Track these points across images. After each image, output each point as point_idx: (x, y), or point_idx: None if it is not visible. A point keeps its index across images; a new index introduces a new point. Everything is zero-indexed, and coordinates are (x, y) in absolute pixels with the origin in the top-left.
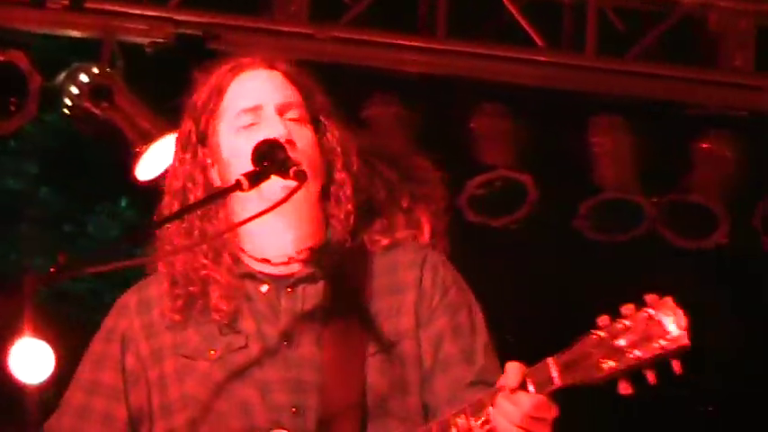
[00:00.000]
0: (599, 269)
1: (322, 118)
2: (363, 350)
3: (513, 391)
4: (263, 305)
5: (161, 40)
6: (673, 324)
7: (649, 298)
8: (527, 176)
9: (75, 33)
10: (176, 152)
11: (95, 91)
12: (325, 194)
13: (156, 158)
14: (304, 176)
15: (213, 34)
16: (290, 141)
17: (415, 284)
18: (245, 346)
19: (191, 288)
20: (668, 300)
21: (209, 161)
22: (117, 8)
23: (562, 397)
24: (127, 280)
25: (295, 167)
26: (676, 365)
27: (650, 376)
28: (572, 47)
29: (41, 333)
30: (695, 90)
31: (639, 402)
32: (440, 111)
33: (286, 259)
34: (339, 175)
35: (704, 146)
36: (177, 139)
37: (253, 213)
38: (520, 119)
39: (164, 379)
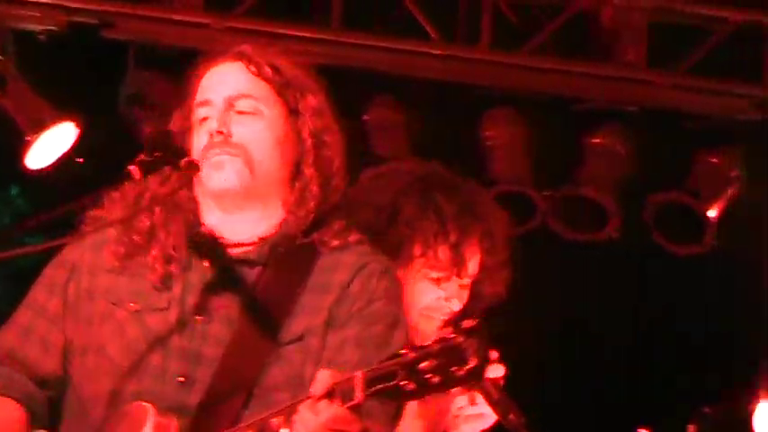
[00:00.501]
0: None
1: (299, 109)
2: (273, 340)
3: (315, 399)
4: (195, 276)
5: (54, 27)
6: (475, 356)
7: (467, 323)
8: None
9: None
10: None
11: None
12: (291, 187)
13: (47, 147)
14: (195, 168)
15: (108, 22)
16: (222, 134)
17: (342, 287)
18: (164, 309)
19: (135, 237)
20: (479, 329)
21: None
22: None
23: None
24: (20, 269)
25: (186, 158)
26: (472, 398)
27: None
28: (466, 40)
29: None
30: (588, 84)
31: None
32: (333, 102)
33: (234, 242)
34: (308, 171)
35: (596, 140)
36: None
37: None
38: (414, 111)
39: (90, 318)
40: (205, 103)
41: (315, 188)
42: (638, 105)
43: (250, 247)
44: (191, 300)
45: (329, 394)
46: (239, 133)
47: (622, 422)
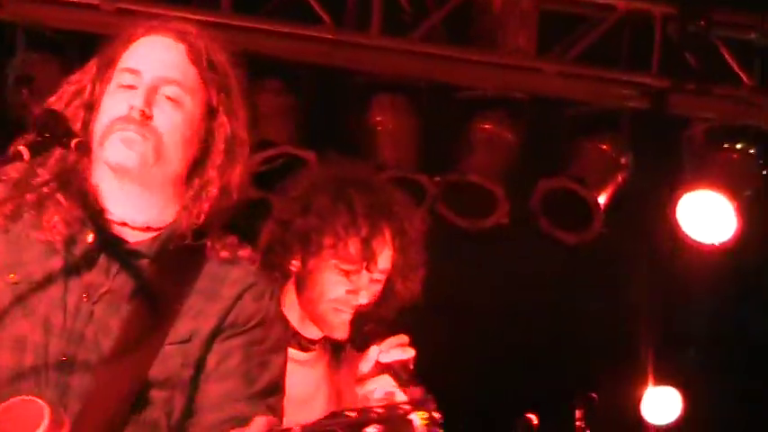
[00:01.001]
0: None
1: (220, 110)
2: (159, 337)
3: None
4: (79, 251)
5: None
6: (424, 428)
7: (416, 392)
8: (310, 153)
9: None
10: (90, 65)
11: None
12: (189, 184)
13: None
14: (85, 149)
15: None
16: (144, 114)
17: (231, 298)
18: (46, 284)
19: (28, 196)
20: (427, 405)
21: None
22: None
23: None
24: None
25: (77, 140)
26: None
27: None
28: (357, 25)
29: None
30: (477, 71)
31: None
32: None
33: (120, 222)
34: (210, 172)
35: (485, 127)
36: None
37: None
38: (302, 96)
39: None
40: (134, 71)
41: (214, 190)
42: (527, 92)
43: (139, 233)
44: (72, 277)
45: None
46: (159, 119)
47: (509, 407)
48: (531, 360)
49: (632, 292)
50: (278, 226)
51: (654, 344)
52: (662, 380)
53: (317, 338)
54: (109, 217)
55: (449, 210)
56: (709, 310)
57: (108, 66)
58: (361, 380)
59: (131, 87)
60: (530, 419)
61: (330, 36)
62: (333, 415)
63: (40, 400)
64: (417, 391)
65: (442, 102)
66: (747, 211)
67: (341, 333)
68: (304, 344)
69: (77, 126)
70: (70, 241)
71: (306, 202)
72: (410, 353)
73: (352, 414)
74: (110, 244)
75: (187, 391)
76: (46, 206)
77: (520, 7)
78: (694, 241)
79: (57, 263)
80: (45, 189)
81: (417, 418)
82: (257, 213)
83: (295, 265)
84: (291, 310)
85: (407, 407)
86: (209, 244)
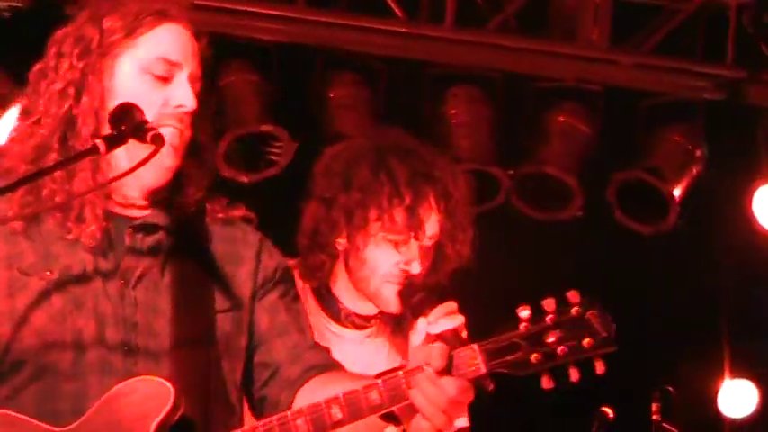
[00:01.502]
0: None
1: (205, 94)
2: (211, 306)
3: (440, 374)
4: (103, 238)
5: (18, 4)
6: (602, 327)
7: (572, 296)
8: None
9: None
10: (65, 53)
11: None
12: (191, 156)
13: (7, 124)
14: (161, 141)
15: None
16: (193, 114)
17: (253, 259)
18: (83, 274)
19: (57, 198)
20: (596, 303)
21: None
22: None
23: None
24: None
25: (153, 132)
26: (600, 366)
27: (574, 374)
28: (431, 18)
29: None
30: (552, 63)
31: None
32: (298, 80)
33: (127, 203)
34: (204, 154)
35: (560, 119)
36: (67, 39)
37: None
38: (377, 90)
39: None
40: (175, 64)
41: (210, 158)
42: (602, 84)
43: (142, 210)
44: (103, 263)
45: (448, 367)
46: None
47: (585, 400)
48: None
49: (708, 284)
50: (320, 205)
51: (730, 337)
52: (738, 373)
53: (372, 314)
54: (115, 199)
55: (524, 202)
56: None
57: (137, 26)
58: (413, 354)
59: (165, 79)
60: (606, 413)
61: (404, 29)
62: (506, 329)
63: (165, 381)
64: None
65: (516, 94)
66: None
67: (396, 306)
68: (359, 322)
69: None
70: (92, 230)
71: (346, 177)
72: (459, 320)
73: (530, 326)
74: (124, 224)
75: (244, 358)
76: (87, 208)
77: (594, 0)
78: None
79: (86, 253)
80: (78, 186)
81: (596, 318)
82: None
83: (341, 243)
84: (343, 289)
85: (582, 310)
86: (210, 207)
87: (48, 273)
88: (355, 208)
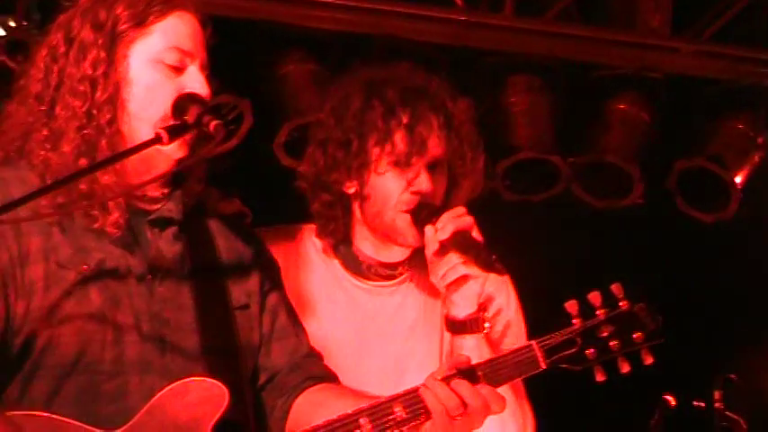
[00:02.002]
0: (515, 229)
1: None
2: (228, 301)
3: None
4: (127, 234)
5: None
6: (650, 320)
7: (616, 289)
8: None
9: None
10: (77, 35)
11: (11, 45)
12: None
13: None
14: (222, 131)
15: None
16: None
17: (256, 257)
18: (117, 269)
19: (81, 186)
20: (643, 297)
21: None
22: None
23: None
24: None
25: (216, 122)
26: (648, 357)
27: (624, 366)
28: (490, 7)
29: None
30: (612, 51)
31: None
32: (356, 68)
33: (140, 195)
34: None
35: (620, 107)
36: (80, 17)
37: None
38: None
39: (32, 284)
40: (187, 54)
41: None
42: (662, 72)
43: (158, 204)
44: (133, 260)
45: (472, 376)
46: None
47: (648, 388)
48: (668, 341)
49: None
50: (317, 147)
51: None
52: None
53: (398, 261)
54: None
55: (584, 190)
56: None
57: (146, 15)
58: (432, 268)
59: (177, 68)
60: (668, 401)
61: (463, 18)
62: (561, 326)
63: (218, 382)
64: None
65: (576, 82)
66: None
67: (413, 237)
68: (385, 272)
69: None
70: (115, 218)
71: (338, 114)
72: (467, 220)
73: (583, 322)
74: (142, 217)
75: (255, 356)
76: (97, 194)
77: None
78: None
79: (115, 247)
80: (104, 178)
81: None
82: None
83: (351, 186)
84: (363, 240)
85: (630, 305)
86: (209, 202)
87: (84, 267)
88: (352, 139)
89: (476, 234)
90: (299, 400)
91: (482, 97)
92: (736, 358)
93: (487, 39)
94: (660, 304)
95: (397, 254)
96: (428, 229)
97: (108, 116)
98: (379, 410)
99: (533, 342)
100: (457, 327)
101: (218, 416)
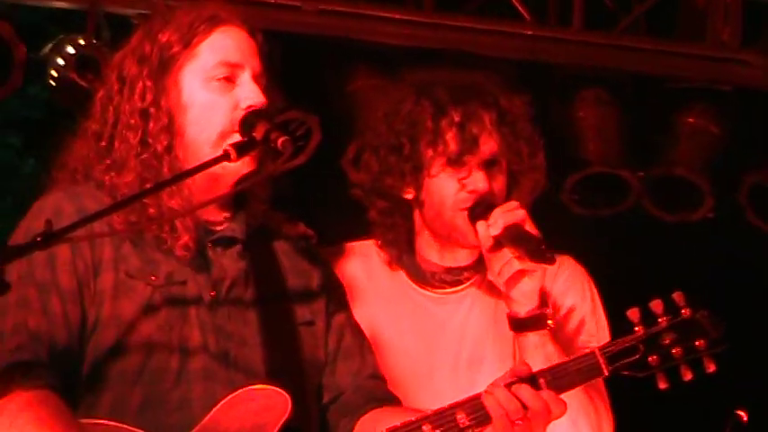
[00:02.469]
0: (585, 243)
1: (271, 94)
2: (293, 318)
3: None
4: (192, 251)
5: (147, 11)
6: (713, 328)
7: (678, 297)
8: None
9: (61, 4)
10: (128, 74)
11: (81, 62)
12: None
13: None
14: (290, 147)
15: None
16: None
17: (321, 277)
18: (185, 283)
19: (150, 210)
20: (704, 305)
21: (173, 95)
22: None
23: None
24: None
25: (283, 138)
26: (711, 365)
27: (686, 373)
28: (558, 21)
29: None
30: (681, 64)
31: None
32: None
33: (203, 219)
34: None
35: (690, 120)
36: (130, 55)
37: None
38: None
39: (102, 293)
40: (236, 66)
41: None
42: (732, 84)
43: (221, 225)
44: (200, 276)
45: (533, 381)
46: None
47: (719, 403)
48: (738, 356)
49: None
50: (371, 154)
51: None
52: None
53: (463, 265)
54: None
55: (654, 204)
56: None
57: (192, 36)
58: (489, 265)
59: (228, 81)
60: (740, 416)
61: (531, 32)
62: (625, 334)
63: (281, 390)
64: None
65: (646, 95)
66: None
67: (473, 236)
68: (450, 279)
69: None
70: (184, 241)
71: (389, 119)
72: (519, 214)
73: (645, 329)
74: (205, 237)
75: (320, 374)
76: (178, 223)
77: (724, 0)
78: None
79: (182, 263)
80: (168, 203)
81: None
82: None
83: (408, 192)
84: (427, 247)
85: (692, 312)
86: (274, 222)
87: (153, 278)
88: (403, 142)
89: (529, 227)
90: (363, 419)
91: (551, 111)
92: None
93: (556, 52)
94: (727, 317)
95: (462, 258)
96: (480, 224)
97: (165, 143)
98: (441, 417)
99: (595, 349)
100: (519, 325)
101: (281, 423)
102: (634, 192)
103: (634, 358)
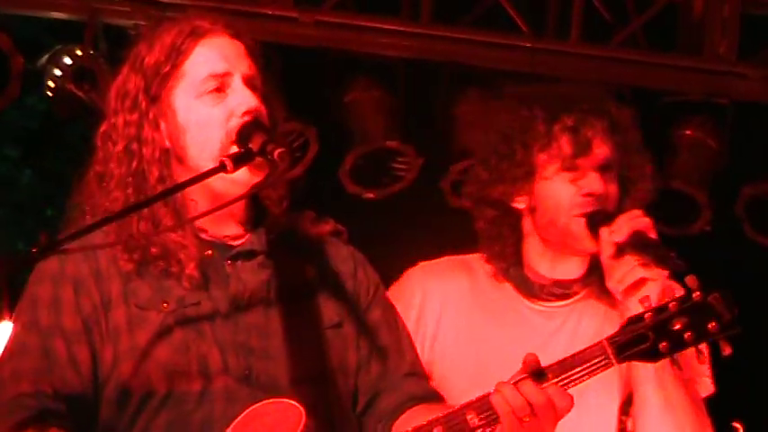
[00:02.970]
0: None
1: (272, 96)
2: (318, 323)
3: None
4: (209, 269)
5: (144, 22)
6: (725, 309)
7: (690, 281)
8: None
9: (59, 15)
10: (117, 109)
11: (78, 73)
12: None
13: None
14: (287, 159)
15: None
16: (260, 114)
17: (351, 275)
18: (198, 304)
19: (152, 249)
20: (718, 287)
21: (161, 123)
22: None
23: None
24: None
25: (280, 149)
26: (727, 348)
27: (701, 357)
28: (556, 33)
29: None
30: (679, 77)
31: None
32: (423, 96)
33: (222, 234)
34: (276, 152)
35: (687, 133)
36: (116, 95)
37: (214, 186)
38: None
39: (116, 330)
40: (224, 75)
41: (286, 173)
42: (730, 98)
43: (241, 239)
44: (215, 292)
45: (542, 377)
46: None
47: (716, 416)
48: (733, 368)
49: None
50: (479, 165)
51: None
52: None
53: (574, 277)
54: (209, 230)
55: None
56: None
57: (177, 56)
58: (608, 272)
59: (219, 91)
60: (737, 429)
61: (529, 44)
62: (632, 321)
63: (296, 403)
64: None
65: (643, 108)
66: None
67: (589, 241)
68: (560, 291)
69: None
70: (190, 271)
71: (501, 128)
72: (645, 221)
73: (654, 315)
74: (224, 253)
75: (353, 376)
76: (181, 255)
77: (721, 12)
78: None
79: (197, 285)
80: (169, 237)
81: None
82: None
83: (519, 201)
84: (537, 257)
85: (703, 294)
86: (301, 226)
87: (164, 305)
88: (516, 149)
89: (653, 235)
90: (398, 422)
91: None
92: None
93: (554, 65)
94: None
95: (573, 269)
96: (603, 230)
97: (156, 174)
98: (452, 419)
99: (603, 340)
100: None
101: None
102: None
103: (644, 346)
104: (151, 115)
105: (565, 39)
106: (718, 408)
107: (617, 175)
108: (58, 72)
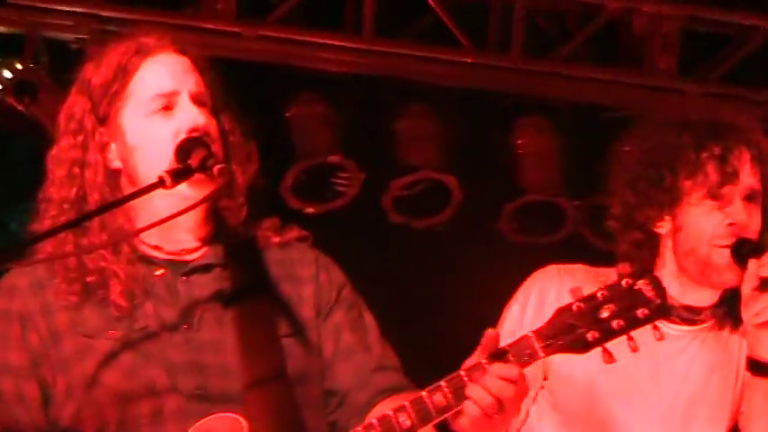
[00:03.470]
0: (521, 271)
1: (221, 108)
2: (275, 332)
3: (491, 363)
4: (160, 288)
5: (86, 36)
6: (655, 295)
7: (622, 268)
8: (451, 178)
9: None
10: (63, 132)
11: (19, 86)
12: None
13: None
14: (227, 174)
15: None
16: (207, 131)
17: (312, 279)
18: (146, 327)
19: (88, 278)
20: (646, 272)
21: (110, 144)
22: (41, 4)
23: None
24: None
25: (219, 165)
26: (659, 335)
27: (632, 345)
28: (498, 48)
29: None
30: (619, 92)
31: None
32: (365, 111)
33: (178, 249)
34: (234, 168)
35: (628, 149)
36: (63, 118)
37: (160, 205)
38: (445, 120)
39: (66, 360)
40: (171, 94)
41: (242, 181)
42: (670, 114)
43: (197, 253)
44: (166, 312)
45: (503, 356)
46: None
47: None
48: None
49: None
50: (626, 188)
51: None
52: None
53: (704, 306)
54: (164, 247)
55: (592, 233)
56: None
57: (123, 76)
58: (747, 303)
59: (166, 110)
60: None
61: (470, 59)
62: (558, 312)
63: (238, 417)
64: None
65: (585, 123)
66: None
67: (731, 275)
68: (687, 315)
69: (92, 161)
70: (143, 283)
71: (649, 152)
72: None
73: (581, 304)
74: (177, 270)
75: (317, 382)
76: (111, 282)
77: (662, 28)
78: None
79: (146, 307)
80: (101, 264)
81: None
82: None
83: (662, 225)
84: (671, 280)
85: (632, 280)
86: (261, 234)
87: (111, 332)
88: (664, 174)
89: None
90: (369, 416)
91: (490, 139)
92: None
93: (495, 80)
94: None
95: (705, 297)
96: (752, 263)
97: (97, 197)
98: (418, 403)
99: (530, 332)
100: (760, 368)
101: None
102: (571, 220)
103: (571, 336)
104: (97, 137)
105: (506, 53)
106: None
107: (760, 206)
108: None
